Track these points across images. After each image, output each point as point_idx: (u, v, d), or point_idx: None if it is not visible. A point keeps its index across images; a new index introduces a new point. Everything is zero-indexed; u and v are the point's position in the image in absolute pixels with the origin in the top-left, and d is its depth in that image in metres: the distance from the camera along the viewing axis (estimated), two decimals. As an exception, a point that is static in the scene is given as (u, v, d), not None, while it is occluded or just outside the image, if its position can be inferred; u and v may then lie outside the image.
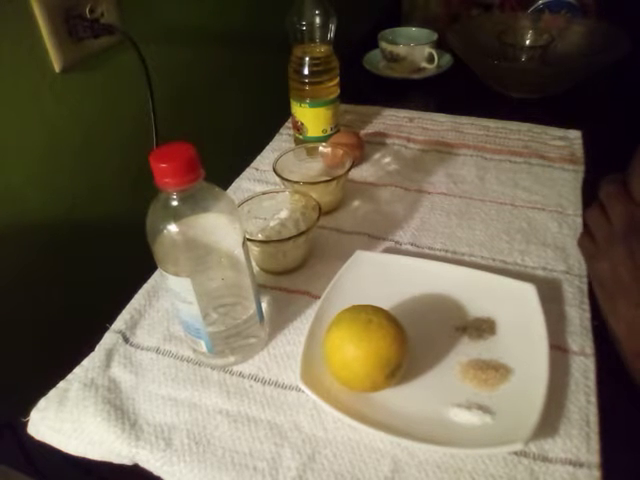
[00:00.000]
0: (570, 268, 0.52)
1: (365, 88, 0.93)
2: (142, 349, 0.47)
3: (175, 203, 0.36)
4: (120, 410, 0.42)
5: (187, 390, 0.43)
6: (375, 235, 0.58)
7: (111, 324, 0.49)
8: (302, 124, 0.69)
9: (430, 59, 0.91)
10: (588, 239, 0.47)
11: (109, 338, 0.48)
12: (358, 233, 0.59)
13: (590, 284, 0.49)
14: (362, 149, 0.69)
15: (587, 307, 0.48)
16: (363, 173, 0.69)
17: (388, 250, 0.56)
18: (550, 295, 0.48)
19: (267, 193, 0.56)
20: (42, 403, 0.43)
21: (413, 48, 0.91)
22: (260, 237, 0.55)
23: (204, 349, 0.43)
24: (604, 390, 0.41)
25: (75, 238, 0.64)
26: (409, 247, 0.56)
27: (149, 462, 0.39)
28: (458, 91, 0.90)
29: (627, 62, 0.74)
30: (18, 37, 0.52)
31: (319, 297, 0.48)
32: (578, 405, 0.40)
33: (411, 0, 1.07)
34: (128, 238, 0.57)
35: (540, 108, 0.81)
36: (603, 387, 0.41)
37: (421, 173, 0.68)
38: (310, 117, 0.68)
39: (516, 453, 0.37)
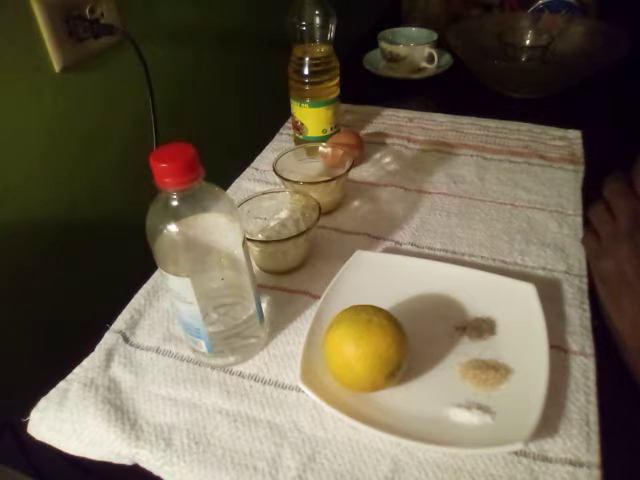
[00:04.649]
0: (570, 268, 0.52)
1: (365, 88, 0.93)
2: (142, 349, 0.47)
3: (175, 203, 0.36)
4: (120, 410, 0.42)
5: (187, 390, 0.43)
6: (375, 235, 0.58)
7: (111, 324, 0.49)
8: (302, 124, 0.69)
9: (430, 59, 0.91)
10: (592, 237, 0.47)
11: (109, 338, 0.48)
12: (358, 233, 0.58)
13: (590, 284, 0.49)
14: (362, 149, 0.69)
15: (587, 307, 0.48)
16: (363, 173, 0.69)
17: (388, 250, 0.56)
18: (550, 295, 0.48)
19: (267, 193, 0.56)
20: (42, 403, 0.43)
21: (413, 48, 0.91)
22: (260, 237, 0.55)
23: (204, 349, 0.43)
24: (604, 390, 0.41)
25: (75, 238, 0.64)
26: (409, 247, 0.56)
27: (149, 462, 0.39)
28: (458, 91, 0.90)
29: (627, 62, 0.74)
30: (18, 37, 0.52)
31: (319, 297, 0.48)
32: (578, 405, 0.40)
33: (411, 0, 1.07)
34: (128, 238, 0.57)
35: (540, 108, 0.81)
36: (603, 387, 0.41)
37: (421, 173, 0.68)
38: (310, 117, 0.68)
39: (516, 453, 0.37)
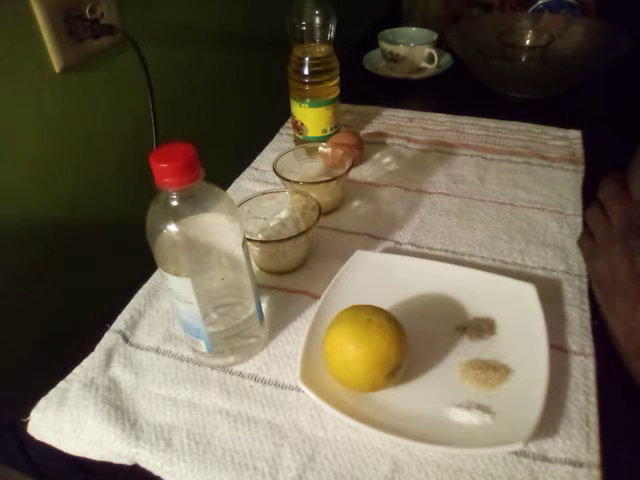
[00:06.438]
0: (570, 268, 0.52)
1: (365, 88, 0.93)
2: (142, 349, 0.47)
3: (175, 203, 0.36)
4: (120, 410, 0.42)
5: (187, 390, 0.43)
6: (375, 235, 0.58)
7: (111, 324, 0.49)
8: (302, 124, 0.69)
9: (430, 59, 0.91)
10: (588, 238, 0.47)
11: (109, 338, 0.48)
12: (358, 233, 0.58)
13: (590, 283, 0.49)
14: (362, 149, 0.69)
15: (587, 307, 0.48)
16: (363, 173, 0.69)
17: (388, 250, 0.56)
18: (550, 295, 0.48)
19: (267, 193, 0.56)
20: (42, 403, 0.43)
21: (413, 48, 0.91)
22: (260, 237, 0.55)
23: (204, 349, 0.43)
24: (604, 390, 0.41)
25: (75, 238, 0.64)
26: (409, 247, 0.56)
27: (149, 462, 0.39)
28: (458, 91, 0.90)
29: (627, 61, 0.74)
30: (18, 37, 0.52)
31: (319, 297, 0.48)
32: (578, 405, 0.40)
33: (411, 0, 1.07)
34: (128, 238, 0.57)
35: (540, 108, 0.81)
36: (603, 387, 0.41)
37: (421, 173, 0.68)
38: (310, 117, 0.68)
39: (516, 453, 0.37)
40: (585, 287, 0.50)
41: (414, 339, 0.41)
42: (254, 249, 0.51)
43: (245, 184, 0.68)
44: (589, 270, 0.47)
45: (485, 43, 0.86)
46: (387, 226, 0.59)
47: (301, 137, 0.71)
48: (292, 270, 0.54)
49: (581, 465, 0.36)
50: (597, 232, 0.46)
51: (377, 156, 0.72)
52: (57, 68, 0.57)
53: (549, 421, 0.38)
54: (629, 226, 0.42)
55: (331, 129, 0.70)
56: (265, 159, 0.73)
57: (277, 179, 0.60)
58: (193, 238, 0.37)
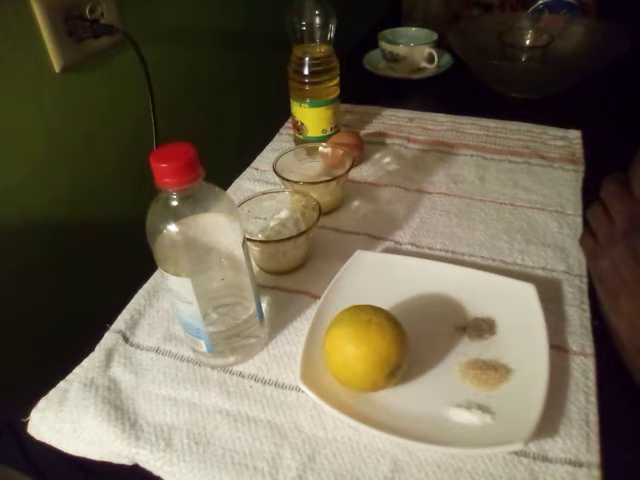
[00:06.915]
0: (570, 268, 0.52)
1: (365, 88, 0.93)
2: (142, 349, 0.47)
3: (175, 203, 0.36)
4: (120, 410, 0.42)
5: (187, 390, 0.43)
6: (375, 235, 0.58)
7: (111, 324, 0.49)
8: (302, 124, 0.69)
9: (430, 59, 0.91)
10: (590, 237, 0.47)
11: (109, 338, 0.48)
12: (358, 233, 0.59)
13: (590, 284, 0.49)
14: (362, 149, 0.69)
15: (587, 307, 0.48)
16: (363, 173, 0.69)
17: (388, 250, 0.56)
18: (550, 295, 0.48)
19: (267, 193, 0.56)
20: (42, 403, 0.43)
21: (413, 48, 0.91)
22: (260, 237, 0.55)
23: (204, 349, 0.43)
24: (604, 390, 0.41)
25: (75, 238, 0.64)
26: (409, 247, 0.56)
27: (149, 462, 0.39)
28: (458, 91, 0.90)
29: (627, 61, 0.74)
30: (18, 37, 0.52)
31: (319, 297, 0.48)
32: (578, 405, 0.40)
33: (411, 0, 1.07)
34: (128, 238, 0.57)
35: (540, 108, 0.81)
36: (603, 387, 0.41)
37: (421, 173, 0.68)
38: (310, 117, 0.68)
39: (516, 453, 0.37)
40: (585, 287, 0.50)
41: (414, 339, 0.41)
42: (254, 249, 0.51)
43: (245, 184, 0.68)
44: (591, 269, 0.47)
45: (485, 43, 0.86)
46: (387, 226, 0.59)
47: (301, 137, 0.71)
48: (292, 270, 0.54)
49: (581, 465, 0.36)
50: (600, 231, 0.46)
51: (377, 156, 0.72)
52: (57, 68, 0.57)
53: (549, 421, 0.38)
54: (632, 225, 0.42)
55: (331, 129, 0.70)
56: (265, 159, 0.73)
57: (277, 179, 0.60)
58: (193, 238, 0.37)
